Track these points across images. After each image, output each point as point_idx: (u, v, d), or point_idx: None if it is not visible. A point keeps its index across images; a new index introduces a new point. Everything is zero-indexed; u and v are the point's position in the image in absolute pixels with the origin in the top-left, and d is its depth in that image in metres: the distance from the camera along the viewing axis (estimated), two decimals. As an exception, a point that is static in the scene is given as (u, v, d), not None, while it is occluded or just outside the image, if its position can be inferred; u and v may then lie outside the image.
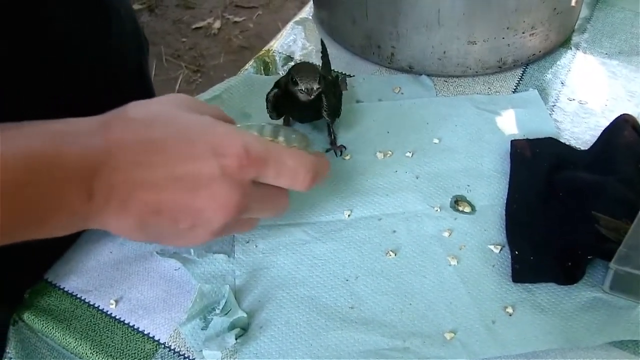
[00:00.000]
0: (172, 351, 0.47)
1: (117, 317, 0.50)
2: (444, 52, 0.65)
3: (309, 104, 0.54)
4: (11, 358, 0.53)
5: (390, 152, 0.59)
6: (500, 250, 0.51)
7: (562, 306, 0.47)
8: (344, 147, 0.59)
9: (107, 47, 0.61)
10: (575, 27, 0.73)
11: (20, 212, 0.37)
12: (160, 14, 2.56)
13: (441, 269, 0.50)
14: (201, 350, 0.46)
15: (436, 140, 0.60)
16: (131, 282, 0.51)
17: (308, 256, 0.52)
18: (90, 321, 0.50)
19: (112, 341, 0.48)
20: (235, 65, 2.25)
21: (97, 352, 0.48)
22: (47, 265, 0.53)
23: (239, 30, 2.45)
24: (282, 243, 0.53)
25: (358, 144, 0.60)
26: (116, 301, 0.50)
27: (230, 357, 0.46)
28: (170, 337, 0.48)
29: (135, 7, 2.55)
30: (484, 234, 0.52)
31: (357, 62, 0.70)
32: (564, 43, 0.71)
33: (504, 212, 0.54)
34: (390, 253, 0.51)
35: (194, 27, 2.49)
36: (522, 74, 0.68)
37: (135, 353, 0.48)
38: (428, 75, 0.67)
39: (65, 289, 0.52)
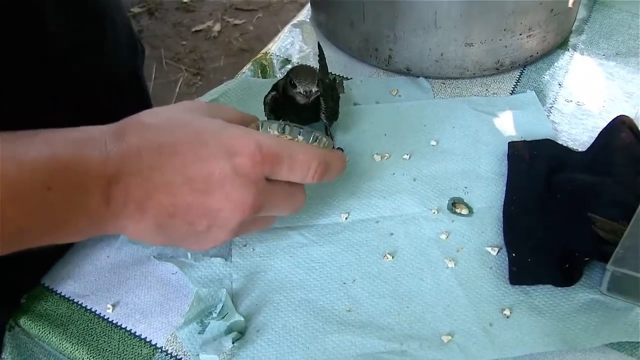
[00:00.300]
0: (169, 355, 0.47)
1: (114, 322, 0.50)
2: (442, 54, 0.65)
3: (306, 106, 0.54)
4: (8, 363, 0.53)
5: (387, 155, 0.59)
6: (498, 252, 0.51)
7: (559, 308, 0.47)
8: (342, 149, 0.59)
9: (101, 52, 0.62)
10: (573, 28, 0.73)
11: (43, 216, 0.38)
12: (160, 17, 2.57)
13: (438, 271, 0.50)
14: (198, 355, 0.46)
15: (434, 143, 0.60)
16: (128, 287, 0.51)
17: (305, 259, 0.52)
18: (87, 326, 0.50)
19: (109, 346, 0.48)
20: (235, 68, 2.25)
21: (94, 357, 0.48)
22: (44, 270, 0.54)
23: (239, 33, 2.46)
24: (280, 246, 0.53)
25: (355, 147, 0.60)
26: (113, 305, 0.50)
27: (227, 361, 0.46)
28: (167, 341, 0.48)
29: (135, 10, 2.56)
30: (482, 236, 0.52)
31: (355, 65, 0.70)
32: (562, 44, 0.71)
33: (501, 214, 0.53)
34: (388, 256, 0.51)
35: (193, 30, 2.49)
36: (520, 76, 0.68)
37: (132, 357, 0.48)
38: (425, 78, 0.67)
39: (62, 294, 0.52)
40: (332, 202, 0.56)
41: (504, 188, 0.56)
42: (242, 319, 0.47)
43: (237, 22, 2.51)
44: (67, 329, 0.50)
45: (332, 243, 0.53)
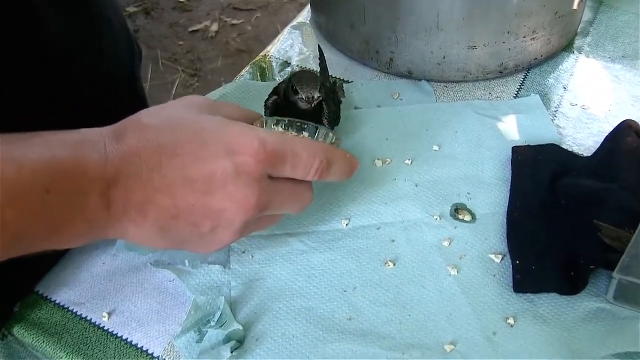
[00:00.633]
0: (166, 364, 0.48)
1: (109, 330, 0.50)
2: (444, 57, 0.65)
3: (308, 111, 0.54)
4: (1, 372, 0.53)
5: (389, 160, 0.59)
6: (501, 259, 0.51)
7: (564, 317, 0.47)
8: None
9: (98, 54, 0.62)
10: (578, 30, 0.73)
11: (42, 220, 0.38)
12: (156, 17, 2.57)
13: (441, 279, 0.50)
14: (196, 364, 0.46)
15: (436, 147, 0.60)
16: (124, 294, 0.51)
17: (305, 266, 0.52)
18: (82, 334, 0.50)
19: (105, 355, 0.48)
20: (233, 68, 2.26)
21: (89, 366, 0.48)
22: (38, 278, 0.54)
23: (236, 33, 2.46)
24: (279, 253, 0.53)
25: (356, 151, 0.60)
26: (109, 314, 0.50)
27: (226, 371, 0.46)
28: (165, 350, 0.48)
29: (131, 9, 2.56)
30: (485, 243, 0.53)
31: (356, 68, 0.71)
32: (566, 47, 0.71)
33: (504, 221, 0.54)
34: (389, 263, 0.51)
35: (190, 30, 2.50)
36: (524, 79, 0.68)
37: (128, 367, 0.48)
38: (427, 81, 0.68)
39: (57, 302, 0.52)
40: (332, 208, 0.56)
41: (508, 194, 0.56)
42: (241, 327, 0.48)
43: (234, 22, 2.52)
44: (62, 338, 0.50)
45: (333, 250, 0.53)
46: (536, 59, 0.68)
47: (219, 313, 0.48)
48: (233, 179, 0.41)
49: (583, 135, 0.62)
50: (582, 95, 0.66)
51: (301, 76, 0.55)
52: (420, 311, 0.48)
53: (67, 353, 0.49)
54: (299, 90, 0.53)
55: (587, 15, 0.75)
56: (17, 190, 0.36)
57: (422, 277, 0.50)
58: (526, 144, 0.59)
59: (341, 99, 0.62)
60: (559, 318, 0.47)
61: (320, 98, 0.54)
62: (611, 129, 0.59)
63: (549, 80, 0.68)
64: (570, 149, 0.60)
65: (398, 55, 0.67)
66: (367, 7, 0.64)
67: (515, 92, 0.67)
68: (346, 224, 0.54)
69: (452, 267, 0.51)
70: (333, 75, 0.69)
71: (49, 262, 0.54)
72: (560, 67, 0.70)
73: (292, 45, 0.74)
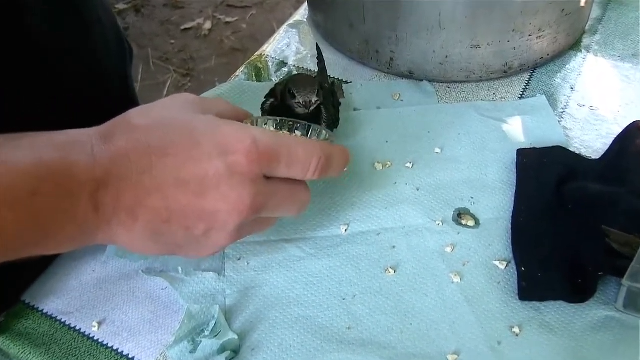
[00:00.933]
0: (159, 376, 0.48)
1: (99, 341, 0.50)
2: (446, 57, 0.66)
3: (307, 114, 0.54)
4: (-14, 385, 0.53)
5: (389, 163, 0.60)
6: (506, 266, 0.52)
7: (572, 326, 0.48)
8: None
9: (88, 54, 0.62)
10: (586, 28, 0.74)
11: (29, 224, 0.38)
12: (147, 15, 2.58)
13: (443, 286, 0.51)
14: (189, 375, 0.46)
15: (438, 150, 0.61)
16: (115, 303, 0.52)
17: (303, 274, 0.52)
18: (71, 345, 0.50)
19: (95, 366, 0.49)
20: (227, 68, 2.26)
21: (78, 378, 0.48)
22: (24, 286, 0.54)
23: (231, 31, 2.47)
24: (275, 260, 0.53)
25: (355, 155, 0.60)
26: (99, 323, 0.51)
27: (220, 382, 0.47)
28: (157, 361, 0.48)
29: (120, 7, 2.57)
30: (489, 249, 0.53)
31: (355, 68, 0.71)
32: (574, 45, 0.72)
33: (509, 226, 0.54)
34: (390, 270, 0.52)
35: (183, 28, 2.50)
36: (529, 79, 0.69)
37: (119, 378, 0.48)
38: (429, 81, 0.68)
39: (44, 311, 0.52)
40: (330, 213, 0.56)
41: (513, 198, 0.56)
42: (236, 337, 0.48)
43: (229, 19, 2.52)
44: (50, 349, 0.50)
45: (331, 256, 0.53)
46: (542, 58, 0.69)
47: (213, 322, 0.48)
48: (227, 179, 0.41)
49: (591, 137, 0.62)
50: (590, 96, 0.66)
51: (298, 79, 0.55)
52: (422, 320, 0.49)
53: (56, 364, 0.49)
54: (296, 95, 0.54)
55: (595, 12, 0.75)
56: (2, 193, 0.36)
57: (424, 285, 0.51)
58: (532, 147, 0.60)
59: (340, 100, 0.62)
60: (567, 327, 0.48)
61: (319, 102, 0.54)
62: (620, 130, 0.59)
63: (556, 80, 0.69)
64: (577, 152, 0.60)
65: (399, 55, 0.67)
66: (367, 5, 0.65)
67: (521, 93, 0.67)
68: (345, 230, 0.55)
69: (455, 274, 0.51)
70: (332, 76, 0.69)
71: (36, 270, 0.54)
72: (567, 66, 0.70)
73: (289, 45, 0.74)
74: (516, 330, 0.48)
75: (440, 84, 0.68)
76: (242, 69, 0.72)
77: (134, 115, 0.43)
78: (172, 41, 2.45)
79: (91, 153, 0.40)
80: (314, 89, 0.54)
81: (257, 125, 0.49)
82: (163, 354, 0.48)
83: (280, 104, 0.56)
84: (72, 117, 0.44)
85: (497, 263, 0.52)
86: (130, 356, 0.49)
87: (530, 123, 0.63)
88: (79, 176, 0.39)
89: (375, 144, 0.62)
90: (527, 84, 0.68)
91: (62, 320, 0.51)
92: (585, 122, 0.64)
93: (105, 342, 0.50)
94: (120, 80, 0.71)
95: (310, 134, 0.49)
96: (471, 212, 0.56)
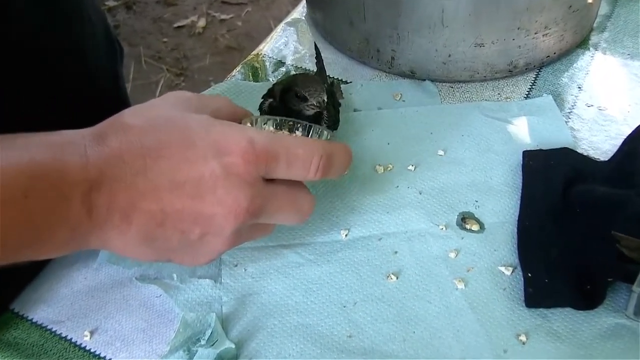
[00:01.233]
0: (153, 387, 0.48)
1: (92, 350, 0.50)
2: (449, 56, 0.66)
3: (308, 116, 0.54)
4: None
5: (390, 166, 0.60)
6: (512, 272, 0.52)
7: (580, 334, 0.48)
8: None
9: (76, 54, 0.62)
10: (594, 25, 0.74)
11: (21, 226, 0.38)
12: (138, 12, 2.58)
13: (447, 293, 0.51)
14: (185, 386, 0.47)
15: (441, 152, 0.61)
16: (107, 312, 0.52)
17: (302, 280, 0.52)
18: (62, 355, 0.50)
19: (87, 376, 0.49)
20: (222, 67, 2.27)
21: (70, 389, 0.48)
22: (13, 294, 0.54)
23: (226, 29, 2.47)
24: (274, 266, 0.54)
25: (356, 157, 0.59)
26: (91, 332, 0.51)
27: (217, 393, 0.47)
28: (151, 371, 0.49)
29: (111, 3, 2.57)
30: (494, 255, 0.53)
31: (355, 67, 0.71)
32: (582, 43, 0.72)
33: (515, 230, 0.54)
34: (392, 276, 0.52)
35: (176, 25, 2.51)
36: (535, 78, 0.69)
37: (112, 389, 0.48)
38: (432, 81, 0.69)
39: (34, 320, 0.52)
40: (330, 217, 0.56)
41: (518, 202, 0.56)
42: (233, 346, 0.48)
43: (224, 16, 2.53)
44: (40, 359, 0.50)
45: (331, 262, 0.53)
46: (549, 56, 0.69)
47: (209, 331, 0.49)
48: (223, 181, 0.41)
49: (599, 139, 0.62)
50: (598, 96, 0.67)
51: (304, 80, 0.55)
52: (425, 328, 0.49)
53: (46, 375, 0.49)
54: (308, 97, 0.53)
55: (604, 8, 0.76)
56: None
57: (427, 292, 0.51)
58: (538, 148, 0.60)
59: (339, 100, 0.63)
60: (575, 335, 0.48)
61: (326, 101, 0.54)
62: (630, 131, 0.59)
63: (563, 79, 0.69)
64: (585, 153, 0.61)
65: (400, 54, 0.67)
66: (367, 3, 0.65)
67: (526, 93, 0.68)
68: (345, 235, 0.55)
69: (459, 281, 0.51)
70: (331, 76, 0.70)
71: (25, 277, 0.55)
72: (574, 65, 0.70)
73: (287, 44, 0.75)
74: (522, 338, 0.48)
75: (443, 84, 0.69)
76: (238, 68, 0.72)
77: (127, 115, 0.44)
78: (165, 39, 2.45)
79: (84, 154, 0.40)
80: (323, 87, 0.54)
81: (256, 124, 0.49)
82: (158, 364, 0.49)
83: (279, 104, 0.56)
84: (60, 119, 0.44)
85: (502, 269, 0.52)
86: (123, 366, 0.49)
87: (536, 124, 0.63)
88: (70, 178, 0.39)
89: (376, 146, 0.62)
90: (533, 84, 0.69)
91: (53, 330, 0.51)
92: (594, 123, 0.64)
93: (97, 352, 0.50)
94: (110, 80, 0.71)
95: (311, 134, 0.49)
96: (475, 216, 0.56)
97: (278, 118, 0.49)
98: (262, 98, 0.59)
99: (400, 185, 0.59)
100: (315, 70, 0.65)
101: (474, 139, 0.62)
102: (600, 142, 0.62)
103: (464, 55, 0.66)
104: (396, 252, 0.54)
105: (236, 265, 0.54)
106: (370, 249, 0.54)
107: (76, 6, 0.62)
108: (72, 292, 0.53)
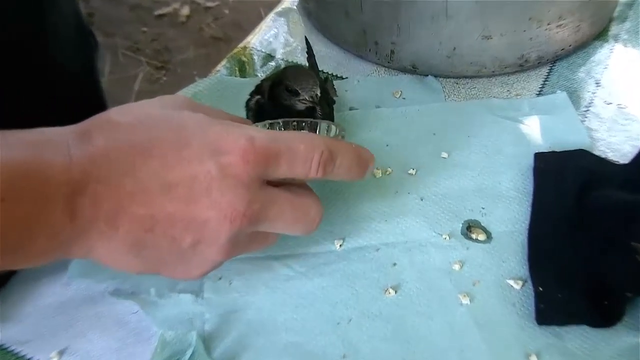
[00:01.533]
0: (128, 412, 0.48)
1: (60, 373, 0.50)
2: (454, 49, 0.66)
3: (300, 113, 0.55)
4: None
5: (389, 170, 0.61)
6: (522, 285, 0.52)
7: (597, 353, 0.48)
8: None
9: (41, 46, 0.62)
10: (614, 15, 0.74)
11: None
12: (115, -2, 2.59)
13: (451, 309, 0.51)
14: (163, 411, 0.47)
15: (445, 155, 0.62)
16: (78, 330, 0.52)
17: (292, 295, 0.53)
18: (28, 379, 0.50)
19: (55, 402, 0.49)
20: (207, 60, 2.27)
21: (37, 416, 0.48)
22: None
23: (211, 18, 2.48)
24: (261, 279, 0.54)
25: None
26: (60, 353, 0.51)
27: (198, 419, 0.47)
28: (126, 395, 0.49)
29: (85, -11, 2.57)
30: (502, 267, 0.53)
31: (351, 62, 0.72)
32: (600, 35, 0.73)
33: (526, 240, 0.55)
34: (390, 290, 0.52)
35: (156, 13, 2.51)
36: (549, 73, 0.69)
37: (83, 415, 0.48)
38: (435, 76, 0.69)
39: (-4, 340, 0.52)
40: (323, 226, 0.55)
41: (529, 208, 0.57)
42: (216, 367, 0.48)
43: (209, 4, 2.53)
44: (3, 383, 0.50)
45: (324, 275, 0.54)
46: (563, 49, 0.69)
47: (190, 351, 0.49)
48: (218, 183, 0.41)
49: (619, 139, 0.63)
50: (618, 92, 0.67)
51: (295, 73, 0.56)
52: (426, 347, 0.49)
53: (10, 401, 0.49)
54: (299, 91, 0.54)
55: (625, -4, 0.76)
56: None
57: (428, 307, 0.51)
58: (551, 150, 0.61)
59: (334, 98, 0.63)
60: (591, 355, 0.48)
61: (319, 95, 0.54)
62: (652, 131, 0.59)
63: (579, 74, 0.69)
64: (603, 155, 0.61)
65: (400, 47, 0.68)
66: (364, -9, 0.66)
67: (539, 89, 0.68)
68: (340, 245, 0.56)
69: (464, 296, 0.52)
70: (324, 71, 0.70)
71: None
72: (592, 58, 0.71)
73: (277, 36, 0.75)
74: (534, 358, 0.48)
75: (448, 80, 0.69)
76: (223, 63, 0.72)
77: (115, 112, 0.44)
78: (144, 29, 2.45)
79: (67, 153, 0.40)
80: (316, 81, 0.54)
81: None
82: (133, 388, 0.49)
83: (268, 102, 0.57)
84: (27, 116, 0.44)
85: (511, 282, 0.52)
86: (95, 390, 0.49)
87: (549, 123, 0.64)
88: (52, 179, 0.39)
89: (374, 148, 0.60)
90: (546, 79, 0.69)
91: (16, 351, 0.51)
92: (613, 122, 0.64)
93: (66, 375, 0.50)
94: (82, 74, 0.71)
95: (319, 131, 0.49)
96: (482, 224, 0.56)
97: (281, 121, 0.49)
98: (249, 95, 0.59)
99: (399, 190, 0.59)
100: (307, 64, 0.66)
101: (481, 140, 0.63)
102: (619, 143, 0.62)
103: (470, 49, 0.66)
104: (395, 264, 0.54)
105: (220, 279, 0.54)
106: (367, 260, 0.54)
107: None
108: (39, 309, 0.53)
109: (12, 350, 0.51)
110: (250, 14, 2.42)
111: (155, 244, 0.42)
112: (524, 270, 0.53)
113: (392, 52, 0.69)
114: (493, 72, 0.68)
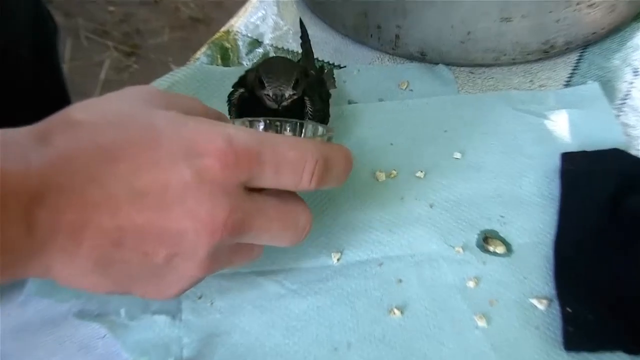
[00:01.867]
0: None
1: (16, 406, 0.50)
2: (468, 33, 0.67)
3: (285, 109, 0.55)
4: None
5: (394, 172, 0.61)
6: (547, 305, 0.52)
7: (633, 384, 0.48)
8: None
9: None
10: (654, -7, 0.75)
11: None
12: (77, -27, 2.58)
13: (465, 332, 0.51)
14: None
15: (458, 155, 0.62)
16: (37, 357, 0.52)
17: (283, 316, 0.53)
18: (-21, 412, 0.50)
19: None
20: (184, 45, 2.27)
21: None
22: None
23: (189, -4, 2.47)
24: (247, 298, 0.54)
25: (351, 161, 0.61)
26: (17, 383, 0.51)
27: None
28: None
29: (42, -37, 2.57)
30: (524, 284, 0.54)
31: (350, 48, 0.72)
32: (638, 16, 0.73)
33: (551, 253, 0.55)
34: (395, 311, 0.53)
35: (125, -9, 2.51)
36: (578, 61, 0.70)
37: None
38: (446, 65, 0.69)
39: (-58, 370, 0.52)
40: (319, 237, 0.57)
41: (555, 217, 0.57)
42: (195, 400, 0.49)
43: (187, -20, 2.53)
44: (-48, 417, 0.50)
45: (319, 294, 0.54)
46: (595, 33, 0.69)
47: (166, 380, 0.49)
48: (195, 189, 0.42)
49: (658, 137, 0.63)
50: (658, 83, 0.67)
51: (271, 64, 0.56)
52: (437, 376, 0.50)
53: None
54: (265, 84, 0.54)
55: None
56: None
57: (439, 330, 0.52)
58: (581, 150, 0.61)
59: (330, 90, 0.63)
60: (627, 386, 0.48)
61: (295, 96, 0.55)
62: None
63: (614, 61, 0.69)
64: (640, 156, 0.61)
65: (406, 32, 0.68)
66: (366, -33, 0.66)
67: (567, 79, 0.68)
68: (337, 259, 0.56)
69: (480, 317, 0.52)
70: (320, 59, 0.71)
71: None
72: (629, 43, 0.71)
73: (265, 18, 0.75)
74: (560, 389, 0.48)
75: (461, 69, 0.69)
76: (203, 49, 0.73)
77: (77, 110, 0.44)
78: (111, 8, 2.45)
79: (23, 158, 0.40)
80: (290, 79, 0.54)
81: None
82: (100, 423, 0.49)
83: (252, 95, 0.57)
84: None
85: (534, 301, 0.53)
86: None
87: (578, 118, 0.64)
88: (8, 186, 0.39)
89: (376, 147, 0.63)
90: (575, 68, 0.69)
91: (-32, 381, 0.51)
92: (652, 117, 0.64)
93: (23, 408, 0.50)
94: (39, 62, 0.71)
95: (304, 133, 0.49)
96: (501, 235, 0.57)
97: (262, 119, 0.49)
98: (232, 87, 0.59)
99: (406, 196, 0.60)
100: (300, 52, 0.66)
101: (500, 138, 0.63)
102: (659, 141, 0.62)
103: (486, 33, 0.66)
104: (401, 281, 0.54)
105: (200, 297, 0.54)
106: (369, 276, 0.55)
107: None
108: (-8, 333, 0.53)
109: (-38, 381, 0.52)
110: (235, -9, 2.43)
111: (125, 259, 0.42)
112: (548, 288, 0.53)
113: (397, 36, 0.69)
114: (513, 59, 0.69)
